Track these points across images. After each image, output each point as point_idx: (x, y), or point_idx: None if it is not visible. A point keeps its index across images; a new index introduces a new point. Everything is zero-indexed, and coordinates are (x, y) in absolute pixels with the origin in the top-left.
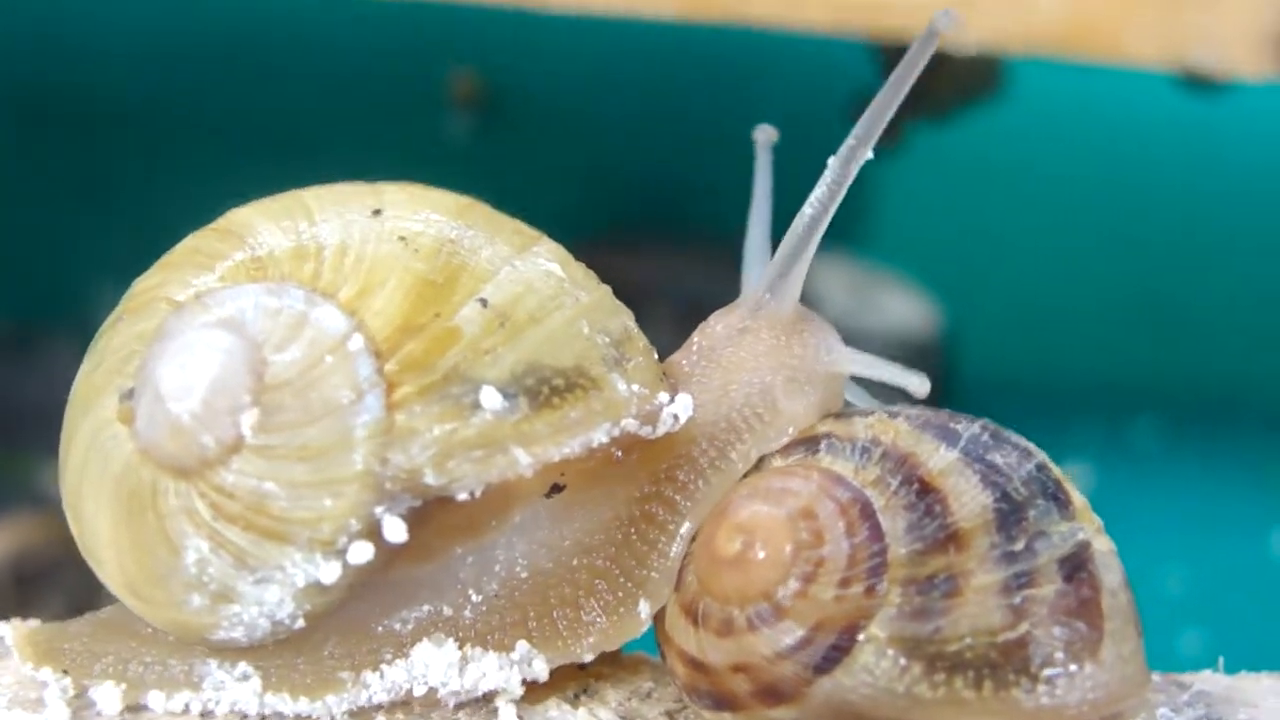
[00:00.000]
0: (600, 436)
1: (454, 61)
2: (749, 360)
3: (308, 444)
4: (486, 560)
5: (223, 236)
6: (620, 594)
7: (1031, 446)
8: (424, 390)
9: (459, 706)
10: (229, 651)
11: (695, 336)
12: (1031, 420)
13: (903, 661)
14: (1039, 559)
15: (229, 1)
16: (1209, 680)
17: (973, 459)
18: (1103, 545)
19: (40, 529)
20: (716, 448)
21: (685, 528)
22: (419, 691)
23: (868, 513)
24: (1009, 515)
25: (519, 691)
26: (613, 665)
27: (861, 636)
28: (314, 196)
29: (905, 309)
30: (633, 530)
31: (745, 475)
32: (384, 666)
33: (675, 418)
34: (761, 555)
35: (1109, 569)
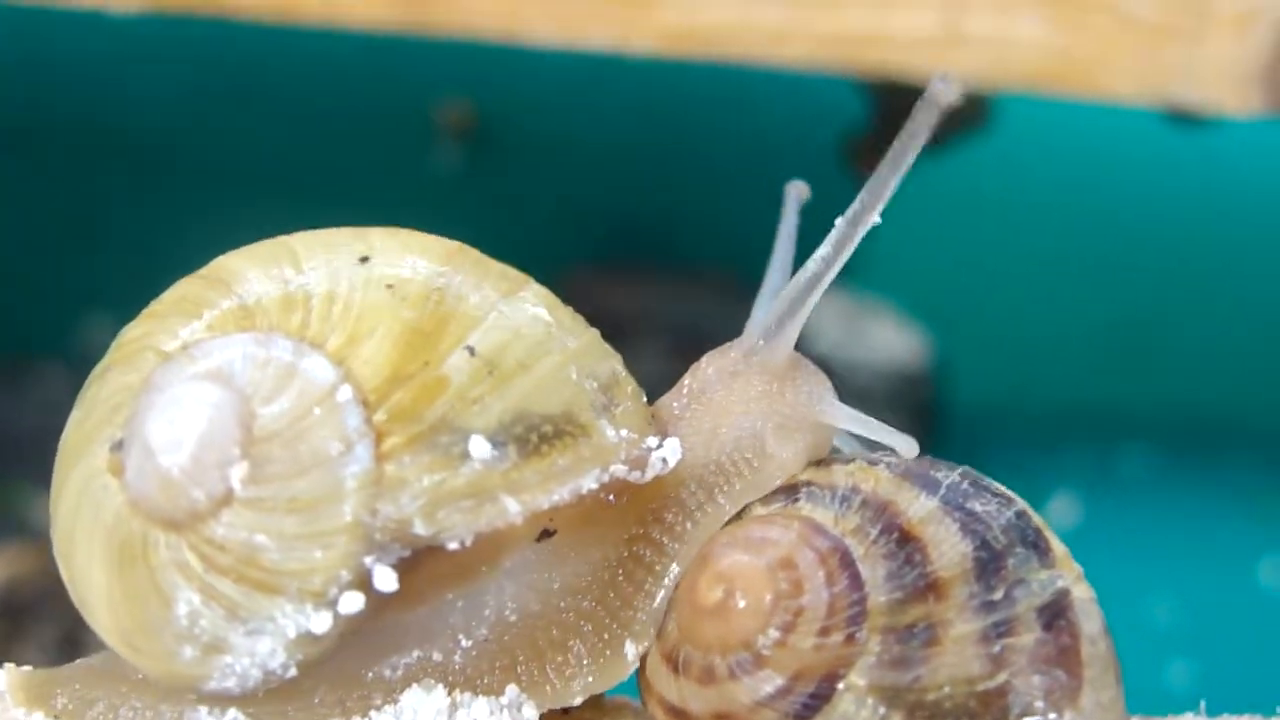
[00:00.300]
0: (589, 483)
1: (443, 93)
2: (740, 405)
3: (297, 496)
4: (476, 605)
5: (210, 284)
6: (606, 636)
7: (1011, 494)
8: (413, 440)
9: None
10: (220, 699)
11: (686, 378)
12: (1021, 449)
13: (882, 710)
14: (1018, 607)
15: (219, 35)
16: None
17: (953, 507)
18: (1082, 593)
19: (30, 559)
20: (705, 490)
21: (673, 569)
22: None
23: (847, 561)
24: (988, 564)
25: None
26: (596, 710)
27: (841, 685)
28: (301, 243)
29: (896, 339)
30: (620, 572)
31: (727, 523)
32: (374, 713)
33: (664, 461)
34: (742, 604)
35: (1088, 616)
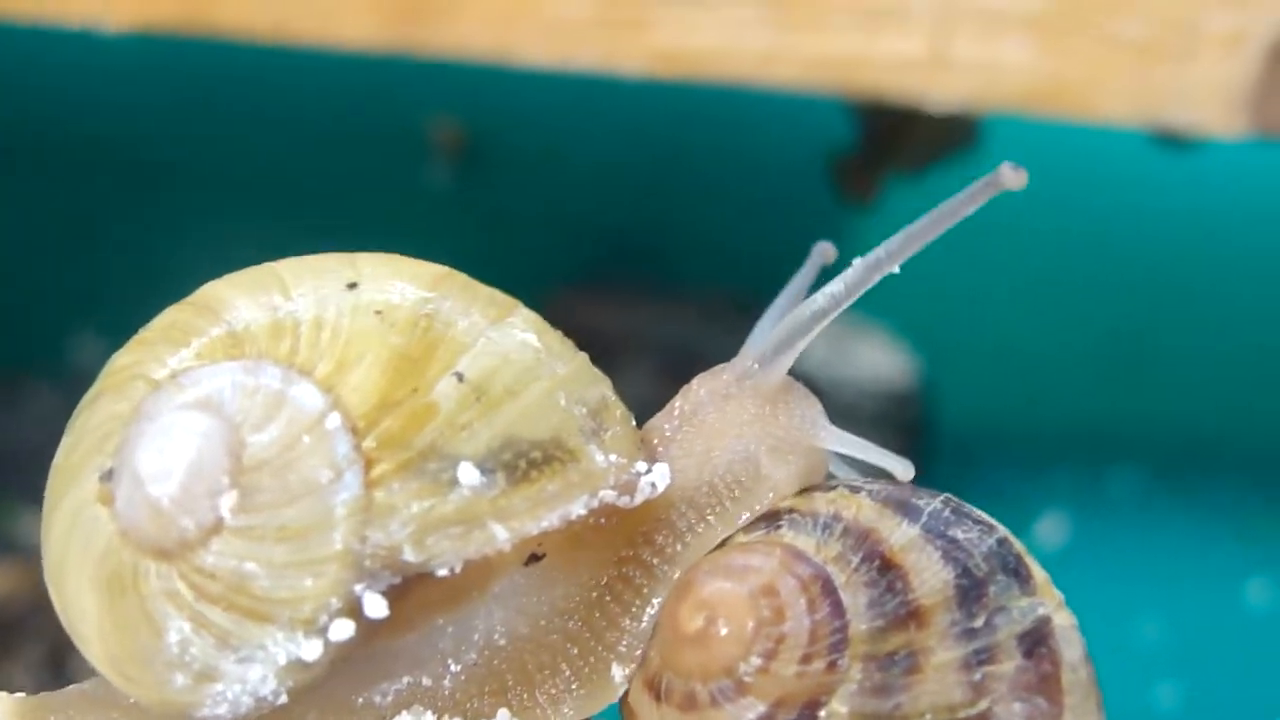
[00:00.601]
0: (578, 509)
1: (434, 112)
2: (733, 428)
3: (287, 524)
4: (465, 630)
5: (199, 311)
6: (592, 659)
7: (993, 521)
8: (402, 467)
9: None
10: None
11: (678, 400)
12: (1009, 469)
13: None
14: (999, 635)
15: (210, 54)
16: None
17: (934, 535)
18: (1064, 620)
19: (19, 576)
20: (696, 512)
21: (660, 592)
22: None
23: (829, 589)
24: (969, 591)
25: None
26: None
27: (823, 713)
28: (289, 270)
29: (884, 359)
30: (608, 594)
31: (710, 551)
32: None
33: (653, 486)
34: (724, 632)
35: (1070, 644)
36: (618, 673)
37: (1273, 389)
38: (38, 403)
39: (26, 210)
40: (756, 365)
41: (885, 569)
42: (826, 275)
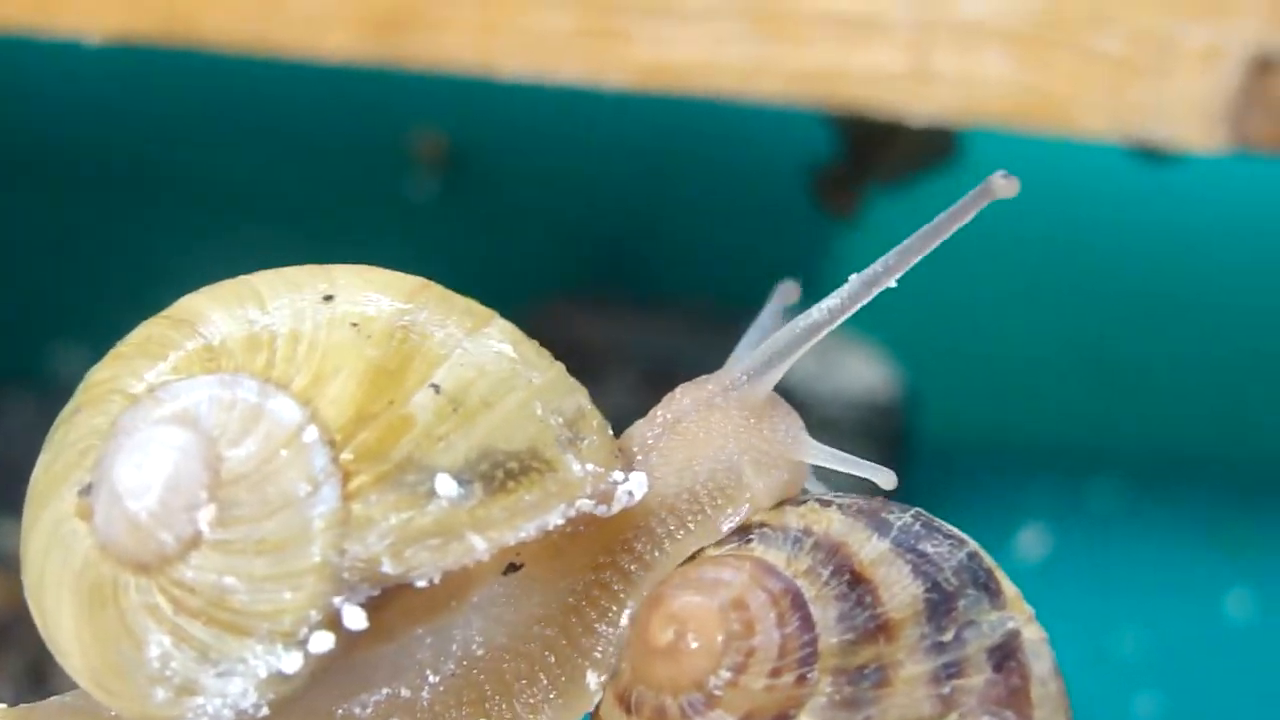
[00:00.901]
0: (555, 519)
1: (417, 124)
2: (717, 438)
3: (265, 538)
4: (444, 640)
5: (175, 325)
6: (569, 666)
7: (963, 536)
8: (379, 479)
9: None
10: None
11: (660, 409)
12: (990, 481)
13: None
14: (968, 648)
15: (192, 65)
16: None
17: (904, 549)
18: (1033, 634)
19: (0, 586)
20: (677, 518)
21: (638, 597)
22: None
23: (799, 603)
24: (939, 605)
25: None
26: None
27: None
28: (265, 282)
29: (867, 372)
30: (584, 600)
31: (681, 564)
32: None
33: (630, 494)
34: (694, 645)
35: (1039, 657)
36: (593, 680)
37: (1252, 401)
38: (19, 414)
39: (7, 220)
40: (745, 378)
41: (855, 583)
42: (806, 301)
